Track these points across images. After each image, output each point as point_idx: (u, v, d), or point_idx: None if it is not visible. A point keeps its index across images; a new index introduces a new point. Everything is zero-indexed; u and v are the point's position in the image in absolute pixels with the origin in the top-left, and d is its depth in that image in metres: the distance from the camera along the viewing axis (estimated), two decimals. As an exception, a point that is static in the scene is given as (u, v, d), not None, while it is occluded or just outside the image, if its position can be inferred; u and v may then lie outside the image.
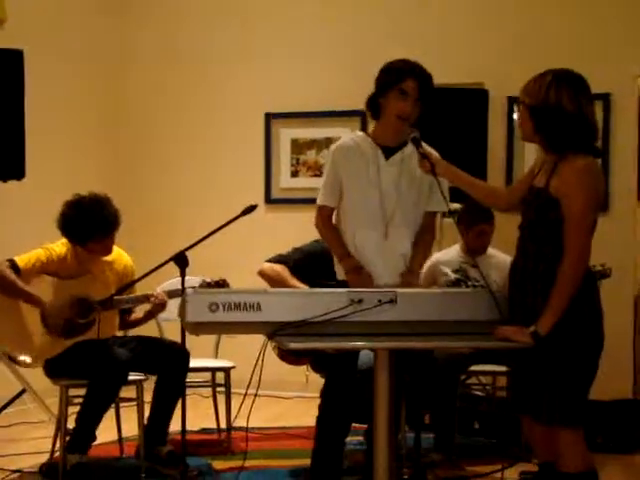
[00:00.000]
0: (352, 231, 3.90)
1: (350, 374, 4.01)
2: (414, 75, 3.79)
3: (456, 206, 6.22)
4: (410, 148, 3.86)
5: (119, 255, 4.93)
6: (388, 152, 3.90)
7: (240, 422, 4.52)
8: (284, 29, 7.22)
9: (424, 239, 3.98)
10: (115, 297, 4.67)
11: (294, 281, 4.68)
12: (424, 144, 3.78)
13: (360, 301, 3.20)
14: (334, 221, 4.02)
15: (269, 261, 4.86)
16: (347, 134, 4.10)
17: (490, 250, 5.35)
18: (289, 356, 4.78)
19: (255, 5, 7.32)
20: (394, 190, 3.86)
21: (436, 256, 5.47)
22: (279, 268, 4.78)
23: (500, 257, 5.13)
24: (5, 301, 4.66)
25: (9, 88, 5.13)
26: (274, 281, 4.74)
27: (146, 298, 4.83)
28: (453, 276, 5.31)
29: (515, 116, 6.49)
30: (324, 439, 4.08)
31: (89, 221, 4.69)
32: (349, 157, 3.91)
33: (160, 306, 4.85)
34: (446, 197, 3.72)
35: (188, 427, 4.22)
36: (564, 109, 3.24)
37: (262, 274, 4.83)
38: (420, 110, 3.83)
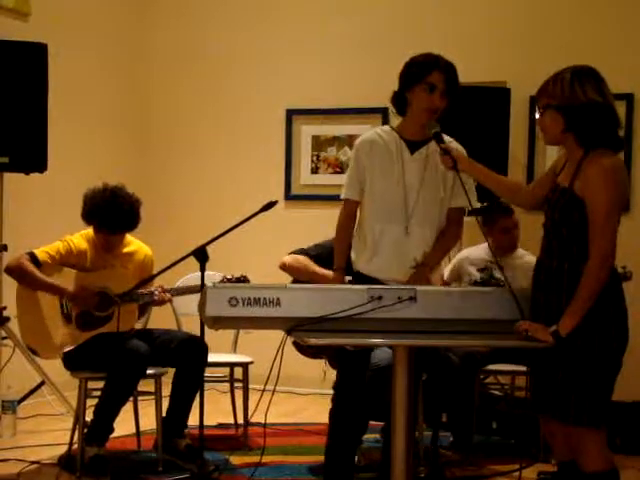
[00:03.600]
0: (372, 224, 3.86)
1: (362, 370, 3.99)
2: (440, 68, 3.77)
3: (477, 205, 6.23)
4: (435, 144, 3.84)
5: (139, 247, 4.95)
6: (413, 147, 3.86)
7: (257, 418, 4.52)
8: (306, 26, 7.21)
9: (447, 236, 3.92)
10: (135, 291, 4.68)
11: (318, 268, 4.66)
12: (451, 139, 3.77)
13: (380, 298, 3.19)
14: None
15: (291, 254, 4.85)
16: (372, 128, 4.06)
17: (520, 250, 5.33)
18: (308, 349, 4.77)
19: (277, 2, 7.32)
20: (418, 185, 3.82)
21: (464, 253, 5.46)
22: (302, 258, 4.78)
23: (529, 258, 5.09)
24: (24, 295, 4.69)
25: (33, 81, 5.16)
26: (297, 270, 4.72)
27: (151, 295, 4.78)
28: (478, 275, 5.29)
29: (537, 116, 6.47)
30: (337, 436, 4.07)
31: (94, 207, 4.71)
32: (373, 151, 3.88)
33: (159, 303, 4.83)
34: (468, 193, 3.69)
35: (206, 422, 4.22)
36: (596, 102, 3.22)
37: (284, 266, 4.81)
38: (447, 103, 3.80)
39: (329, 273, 4.34)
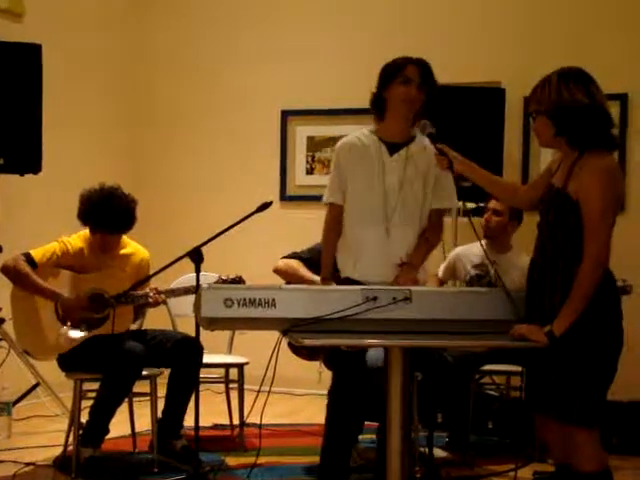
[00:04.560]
0: (353, 227, 3.90)
1: (358, 372, 4.00)
2: (414, 62, 3.87)
3: (471, 205, 6.23)
4: (416, 145, 3.88)
5: (136, 249, 4.94)
6: (393, 148, 3.89)
7: (253, 418, 4.52)
8: (301, 27, 7.22)
9: (429, 236, 3.96)
10: (130, 292, 4.67)
11: (309, 273, 4.69)
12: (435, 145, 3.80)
13: (375, 299, 3.20)
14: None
15: (284, 258, 4.87)
16: (353, 132, 4.08)
17: (515, 249, 5.34)
18: (302, 350, 4.78)
19: (271, 4, 7.32)
20: (398, 187, 3.85)
21: (459, 250, 5.48)
22: (293, 262, 4.81)
23: (524, 258, 5.10)
24: (20, 297, 4.68)
25: (27, 82, 5.16)
26: (289, 275, 4.76)
27: (146, 297, 4.77)
28: (473, 272, 5.30)
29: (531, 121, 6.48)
30: (332, 437, 4.07)
31: (94, 213, 4.71)
32: (352, 154, 3.92)
33: (154, 304, 4.82)
34: (449, 194, 3.82)
35: (201, 423, 4.22)
36: (581, 104, 3.22)
37: (277, 271, 4.85)
38: (424, 97, 3.85)
39: (317, 279, 4.38)
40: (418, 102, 3.84)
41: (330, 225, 3.99)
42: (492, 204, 5.28)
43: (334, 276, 3.98)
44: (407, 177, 3.86)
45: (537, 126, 3.37)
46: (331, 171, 4.02)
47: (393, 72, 3.86)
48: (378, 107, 3.94)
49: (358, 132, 4.04)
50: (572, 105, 3.23)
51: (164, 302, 4.83)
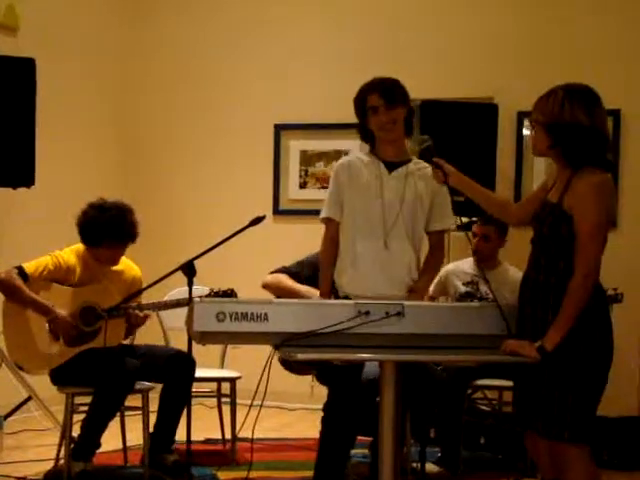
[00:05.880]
0: (352, 240, 3.89)
1: (353, 389, 4.00)
2: (371, 89, 3.92)
3: (465, 220, 6.25)
4: (414, 165, 3.91)
5: (128, 267, 4.93)
6: (391, 167, 3.93)
7: (245, 433, 4.51)
8: (294, 42, 7.23)
9: (432, 259, 4.01)
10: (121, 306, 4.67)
11: (296, 285, 4.68)
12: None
13: (367, 313, 3.20)
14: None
15: (272, 273, 4.87)
16: (353, 153, 4.16)
17: (505, 265, 5.35)
18: (293, 365, 4.77)
19: (265, 18, 7.33)
20: (397, 200, 3.87)
21: (450, 266, 5.48)
22: (281, 276, 4.80)
23: (514, 273, 5.11)
24: (12, 310, 4.67)
25: (21, 96, 5.15)
26: (279, 290, 4.75)
27: (138, 308, 4.74)
28: (463, 289, 5.31)
29: (525, 131, 6.50)
30: (327, 453, 4.06)
31: (107, 223, 4.71)
32: (352, 170, 3.94)
33: (142, 319, 4.79)
34: (446, 214, 3.87)
35: (193, 437, 4.21)
36: (580, 124, 3.24)
37: (265, 286, 4.84)
38: (400, 113, 3.87)
39: (305, 289, 4.38)
40: (392, 122, 3.87)
41: (328, 241, 3.99)
42: (479, 229, 5.28)
43: (333, 292, 3.97)
44: (406, 194, 3.88)
45: (534, 135, 3.39)
46: (329, 187, 4.04)
47: (360, 105, 3.94)
48: (366, 135, 4.00)
49: (358, 153, 4.11)
50: (571, 123, 3.24)
51: (147, 316, 4.80)
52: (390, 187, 3.88)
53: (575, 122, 3.24)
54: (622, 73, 6.38)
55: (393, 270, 3.85)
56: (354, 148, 4.15)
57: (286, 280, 4.76)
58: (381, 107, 3.86)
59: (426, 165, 3.84)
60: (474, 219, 5.41)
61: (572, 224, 3.24)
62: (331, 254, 3.98)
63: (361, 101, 3.94)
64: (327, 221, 4.00)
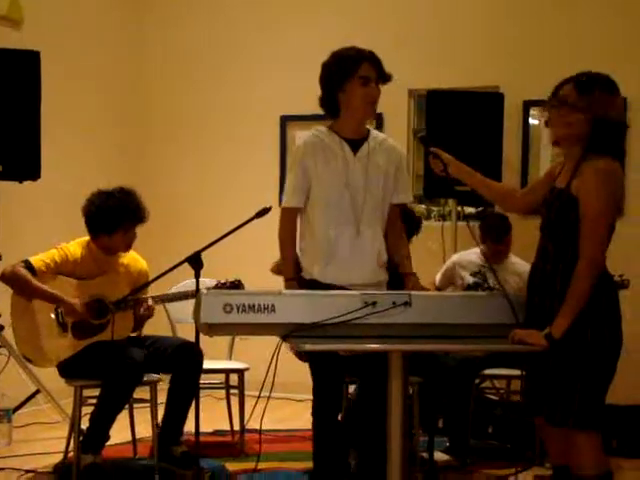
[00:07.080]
0: (325, 229, 3.84)
1: (336, 372, 3.98)
2: (367, 58, 3.79)
3: (470, 210, 6.24)
4: (373, 140, 3.87)
5: (134, 259, 4.93)
6: (354, 145, 3.86)
7: (253, 424, 4.52)
8: (300, 33, 7.22)
9: (396, 234, 3.98)
10: (129, 298, 4.67)
11: None
12: (385, 136, 3.84)
13: (374, 303, 3.19)
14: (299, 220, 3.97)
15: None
16: (312, 131, 3.98)
17: (512, 257, 5.34)
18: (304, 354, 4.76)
19: (272, 10, 7.33)
20: (363, 185, 3.83)
21: (456, 257, 5.47)
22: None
23: (521, 264, 5.11)
24: (20, 304, 4.68)
25: (26, 89, 5.16)
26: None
27: (145, 301, 4.75)
28: (471, 279, 5.30)
29: (532, 120, 6.48)
30: (319, 440, 4.01)
31: (120, 208, 4.71)
32: (316, 154, 3.86)
33: (147, 311, 4.79)
34: (405, 188, 3.90)
35: (201, 429, 4.22)
36: (614, 119, 3.26)
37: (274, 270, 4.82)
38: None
39: None
40: (377, 99, 3.80)
41: (289, 230, 3.93)
42: (495, 247, 5.25)
43: (298, 277, 3.93)
44: (370, 175, 3.84)
45: (568, 118, 3.29)
46: (292, 173, 3.91)
47: (347, 71, 3.77)
48: (330, 107, 3.88)
49: (315, 130, 3.96)
50: (612, 119, 3.24)
51: (152, 308, 4.80)
52: (356, 171, 3.83)
53: (616, 118, 3.25)
54: (629, 61, 6.35)
55: (365, 258, 3.84)
56: (308, 133, 4.00)
57: None
58: (374, 80, 3.77)
59: (384, 135, 3.84)
60: (480, 209, 5.41)
61: (578, 207, 3.22)
62: (293, 238, 3.93)
63: (349, 66, 3.76)
64: (287, 210, 3.92)
